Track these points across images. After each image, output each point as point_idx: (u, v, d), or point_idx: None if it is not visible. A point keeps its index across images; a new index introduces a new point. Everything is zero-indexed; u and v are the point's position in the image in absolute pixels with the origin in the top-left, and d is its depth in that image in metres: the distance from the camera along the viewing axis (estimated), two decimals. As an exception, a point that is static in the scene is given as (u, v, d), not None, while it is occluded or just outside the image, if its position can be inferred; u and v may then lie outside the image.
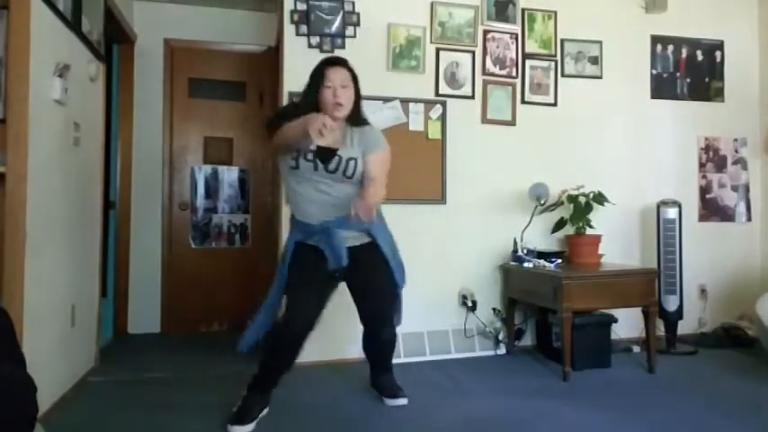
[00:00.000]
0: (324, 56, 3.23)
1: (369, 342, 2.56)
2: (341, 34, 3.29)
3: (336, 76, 2.35)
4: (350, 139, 2.38)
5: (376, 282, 2.42)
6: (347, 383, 2.80)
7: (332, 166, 2.31)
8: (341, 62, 2.42)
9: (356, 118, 2.44)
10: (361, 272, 2.39)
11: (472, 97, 3.51)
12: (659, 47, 3.90)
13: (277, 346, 2.32)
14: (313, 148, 2.25)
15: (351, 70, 2.42)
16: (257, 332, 2.36)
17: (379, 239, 2.42)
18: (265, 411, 2.40)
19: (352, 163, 2.33)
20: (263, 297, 2.42)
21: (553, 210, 3.45)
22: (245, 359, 2.64)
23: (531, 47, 3.63)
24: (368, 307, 2.45)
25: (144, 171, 4.04)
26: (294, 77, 3.11)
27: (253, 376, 2.38)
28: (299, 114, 2.28)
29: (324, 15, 3.28)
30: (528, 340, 3.54)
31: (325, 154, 2.32)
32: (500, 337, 3.43)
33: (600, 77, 3.75)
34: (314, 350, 3.16)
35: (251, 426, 2.29)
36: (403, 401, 2.52)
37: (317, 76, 2.37)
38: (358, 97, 2.43)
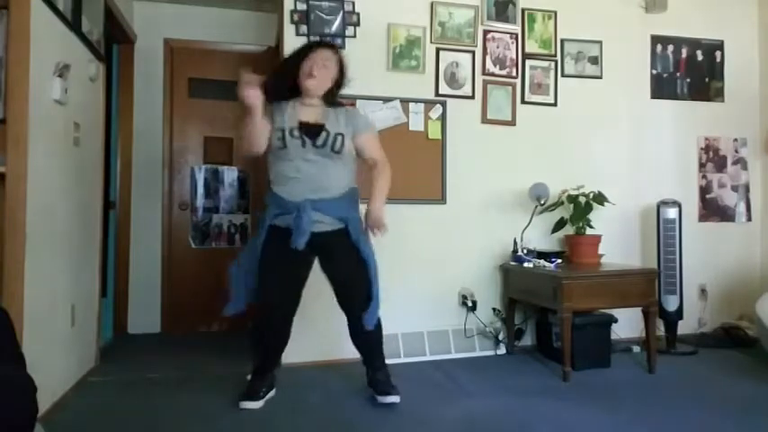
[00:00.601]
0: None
1: (354, 331, 2.54)
2: (341, 34, 3.29)
3: (321, 54, 2.47)
4: (335, 117, 2.47)
5: (347, 266, 2.46)
6: (346, 383, 2.80)
7: (319, 141, 2.40)
8: (330, 45, 2.57)
9: (331, 98, 2.52)
10: (333, 257, 2.47)
11: (472, 97, 3.51)
12: (659, 47, 3.90)
13: (265, 329, 2.52)
14: (295, 124, 2.39)
15: (338, 53, 2.53)
16: (243, 298, 2.49)
17: (350, 228, 2.45)
18: (272, 393, 2.59)
19: (339, 138, 2.42)
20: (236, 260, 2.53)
21: (553, 210, 3.45)
22: (243, 360, 2.64)
23: (531, 47, 3.63)
24: (342, 292, 2.50)
25: (144, 171, 4.04)
26: (294, 77, 3.11)
27: (254, 361, 2.56)
28: (278, 80, 2.47)
29: (324, 15, 3.28)
30: (528, 340, 3.54)
31: (312, 129, 2.41)
32: (500, 337, 3.43)
33: (600, 77, 3.75)
34: (312, 350, 3.17)
35: (260, 402, 2.48)
36: (394, 399, 2.50)
37: (303, 51, 2.49)
38: (339, 81, 2.52)
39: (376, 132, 2.65)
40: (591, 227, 3.38)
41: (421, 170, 3.40)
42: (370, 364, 2.61)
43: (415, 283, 3.36)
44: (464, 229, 3.47)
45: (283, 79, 2.49)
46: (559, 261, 3.19)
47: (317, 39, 2.61)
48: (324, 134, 2.40)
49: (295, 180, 2.39)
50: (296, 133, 2.39)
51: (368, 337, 2.54)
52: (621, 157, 3.79)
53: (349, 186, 2.51)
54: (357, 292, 2.47)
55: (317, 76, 2.43)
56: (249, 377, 2.59)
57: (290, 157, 2.39)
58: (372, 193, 2.52)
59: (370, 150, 2.54)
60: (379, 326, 2.53)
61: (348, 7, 3.31)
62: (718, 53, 4.02)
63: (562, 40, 3.69)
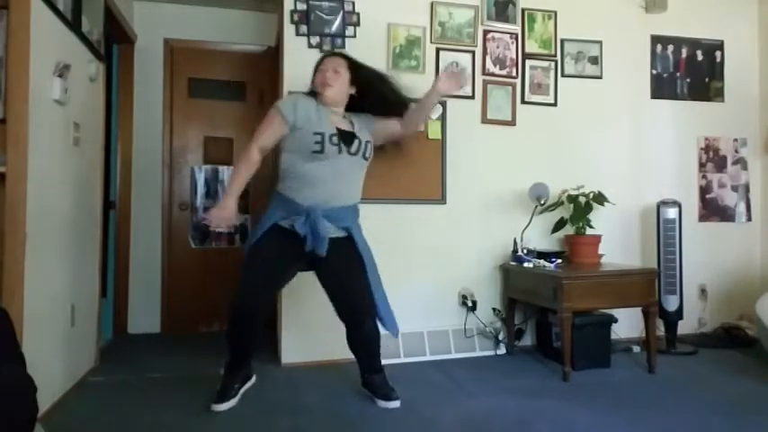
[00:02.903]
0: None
1: (352, 339, 2.54)
2: (341, 34, 3.29)
3: (330, 63, 2.57)
4: (359, 126, 2.57)
5: (349, 271, 2.46)
6: (345, 384, 2.79)
7: (353, 148, 2.47)
8: (338, 53, 2.70)
9: (355, 105, 2.63)
10: (334, 263, 2.44)
11: (472, 97, 3.51)
12: (659, 47, 3.90)
13: (232, 324, 2.44)
14: (334, 131, 2.44)
15: (348, 59, 2.63)
16: None
17: (355, 236, 2.50)
18: (250, 383, 2.60)
19: (369, 145, 2.54)
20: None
21: (553, 210, 3.45)
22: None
23: (531, 47, 3.63)
24: (342, 297, 2.48)
25: (144, 171, 4.04)
26: (294, 77, 3.11)
27: (227, 356, 2.54)
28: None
29: (324, 15, 3.28)
30: (528, 340, 3.54)
31: (347, 136, 2.49)
32: (500, 337, 3.43)
33: (600, 77, 3.75)
34: (312, 350, 3.17)
35: (232, 402, 2.46)
36: (395, 404, 2.49)
37: (316, 66, 2.62)
38: (358, 87, 2.61)
39: None
40: (591, 227, 3.38)
41: (421, 170, 3.40)
42: (369, 368, 2.59)
43: (415, 283, 3.36)
44: (464, 229, 3.47)
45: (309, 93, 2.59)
46: (559, 261, 3.19)
47: (326, 52, 2.75)
48: (357, 142, 2.49)
49: (321, 184, 2.40)
50: (335, 140, 2.42)
51: (368, 342, 2.53)
52: (621, 157, 3.79)
53: (358, 198, 2.59)
54: (358, 296, 2.45)
55: (332, 84, 2.50)
56: (222, 372, 2.55)
57: (324, 162, 2.40)
58: (421, 100, 2.61)
59: (387, 122, 2.67)
60: (377, 329, 2.52)
61: (348, 7, 3.31)
62: (718, 53, 4.02)
63: (562, 40, 3.69)
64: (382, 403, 2.51)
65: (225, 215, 2.39)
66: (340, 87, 2.53)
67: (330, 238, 2.41)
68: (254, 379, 2.62)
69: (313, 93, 2.57)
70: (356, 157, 2.47)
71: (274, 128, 2.47)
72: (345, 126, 2.52)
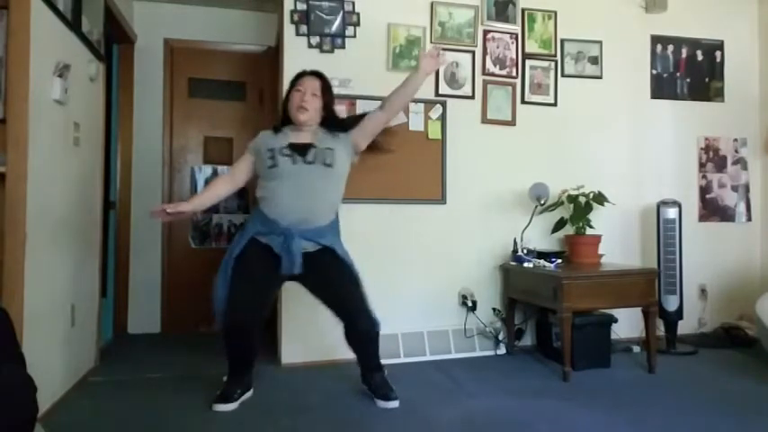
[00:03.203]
0: (324, 56, 3.27)
1: (349, 335, 2.55)
2: (341, 34, 3.29)
3: (309, 84, 2.56)
4: (326, 136, 2.56)
5: (335, 274, 2.49)
6: (345, 384, 2.79)
7: (310, 156, 2.47)
8: (317, 74, 2.63)
9: (328, 124, 2.61)
10: (319, 271, 2.47)
11: (472, 97, 3.51)
12: (659, 47, 3.90)
13: (228, 339, 2.50)
14: (285, 144, 2.48)
15: (325, 82, 2.61)
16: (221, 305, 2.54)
17: (336, 248, 2.53)
18: (249, 394, 2.59)
19: (329, 152, 2.50)
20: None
21: (553, 210, 3.45)
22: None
23: (531, 47, 3.63)
24: (334, 299, 2.51)
25: (144, 171, 4.04)
26: (294, 77, 3.11)
27: (227, 366, 2.55)
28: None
29: (324, 15, 3.28)
30: (528, 340, 3.54)
31: (301, 147, 2.49)
32: (500, 337, 3.43)
33: (600, 77, 3.75)
34: (312, 350, 3.17)
35: (233, 405, 2.46)
36: (394, 404, 2.49)
37: (292, 82, 2.61)
38: (328, 110, 2.60)
39: None
40: (591, 227, 3.38)
41: (421, 170, 3.40)
42: (367, 365, 2.60)
43: (415, 283, 3.36)
44: (464, 229, 3.47)
45: (282, 112, 2.65)
46: (559, 261, 3.19)
47: (302, 70, 2.68)
48: (312, 151, 2.48)
49: (288, 198, 2.43)
50: (285, 151, 2.47)
51: (366, 339, 2.54)
52: (621, 157, 3.79)
53: (335, 213, 2.59)
54: (352, 302, 2.49)
55: (309, 108, 2.52)
56: (225, 378, 2.56)
57: (281, 176, 2.45)
58: (404, 82, 2.62)
59: (367, 120, 2.64)
60: (375, 328, 2.53)
61: (348, 7, 3.31)
62: (718, 53, 4.02)
63: (562, 40, 3.68)
64: (381, 403, 2.51)
65: (168, 208, 2.46)
66: (315, 112, 2.55)
67: (310, 252, 2.46)
68: (251, 392, 2.61)
69: (284, 122, 2.61)
70: (314, 166, 2.46)
71: (243, 159, 2.64)
72: (308, 139, 2.52)
